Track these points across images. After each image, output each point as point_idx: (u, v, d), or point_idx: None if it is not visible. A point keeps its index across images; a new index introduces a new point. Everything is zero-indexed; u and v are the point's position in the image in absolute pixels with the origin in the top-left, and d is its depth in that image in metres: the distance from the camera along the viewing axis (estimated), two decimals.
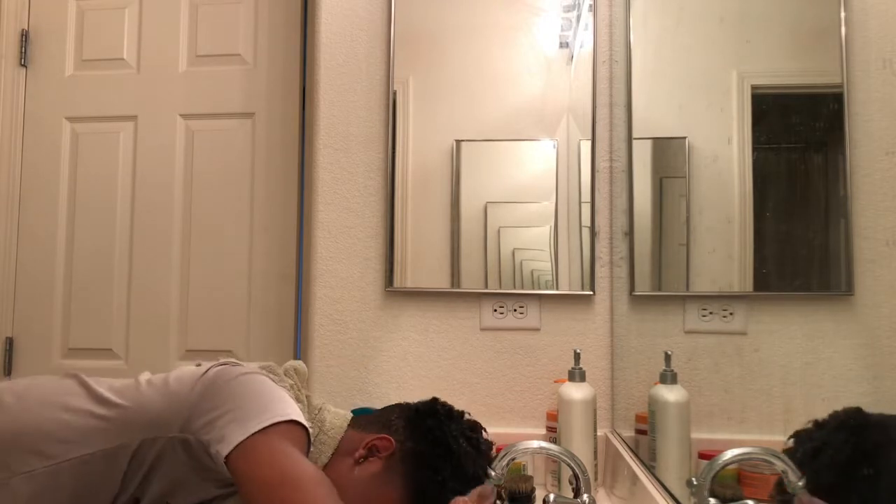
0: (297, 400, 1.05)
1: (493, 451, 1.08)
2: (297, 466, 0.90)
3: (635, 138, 1.49)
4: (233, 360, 1.07)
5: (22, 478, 0.95)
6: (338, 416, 1.10)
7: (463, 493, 0.98)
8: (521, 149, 1.62)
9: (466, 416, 1.10)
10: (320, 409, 1.10)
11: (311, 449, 1.04)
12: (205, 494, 0.99)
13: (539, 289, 1.57)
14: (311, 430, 1.01)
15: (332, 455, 1.04)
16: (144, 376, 1.06)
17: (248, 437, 0.90)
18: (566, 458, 1.10)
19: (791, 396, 0.79)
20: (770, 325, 0.86)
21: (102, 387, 1.03)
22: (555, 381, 1.51)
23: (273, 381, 1.03)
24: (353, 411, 1.18)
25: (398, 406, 1.12)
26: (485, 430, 1.10)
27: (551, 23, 1.62)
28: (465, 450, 1.03)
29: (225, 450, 0.90)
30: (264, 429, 0.92)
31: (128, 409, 0.99)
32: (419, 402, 1.11)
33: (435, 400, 1.12)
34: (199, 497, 1.00)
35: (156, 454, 0.97)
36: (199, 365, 1.06)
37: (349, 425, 1.08)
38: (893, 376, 0.61)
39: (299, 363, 1.14)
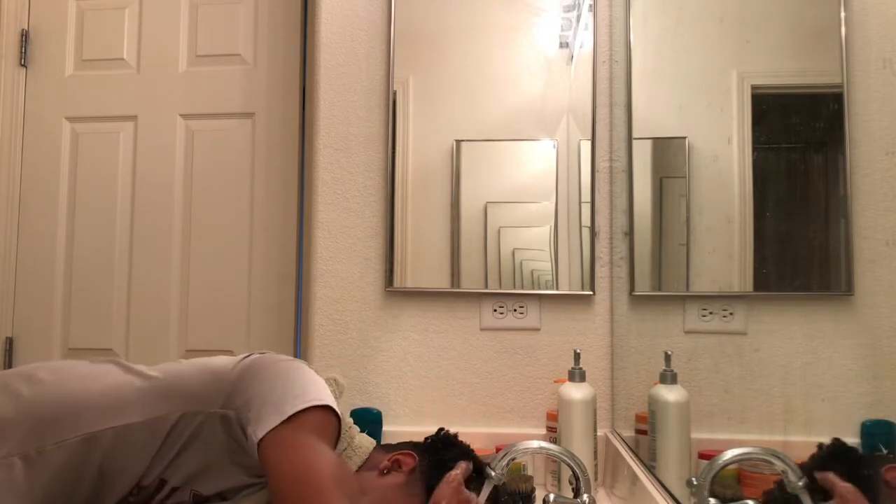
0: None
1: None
2: (322, 464, 0.92)
3: (635, 138, 1.49)
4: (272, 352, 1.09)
5: (55, 447, 0.96)
6: (365, 438, 1.13)
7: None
8: (521, 149, 1.62)
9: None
10: (350, 426, 1.11)
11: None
12: (232, 482, 1.01)
13: (539, 289, 1.57)
14: (343, 421, 1.03)
15: (357, 470, 1.07)
16: (184, 360, 1.09)
17: (281, 423, 0.92)
18: (566, 458, 1.10)
19: (791, 396, 0.79)
20: (770, 325, 0.86)
21: (139, 366, 1.06)
22: (555, 381, 1.51)
23: (310, 368, 1.06)
24: (353, 411, 1.18)
25: (413, 442, 1.15)
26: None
27: (551, 23, 1.62)
28: (479, 464, 1.07)
29: (260, 432, 0.92)
30: (297, 413, 0.93)
31: (168, 381, 1.01)
32: (433, 434, 1.15)
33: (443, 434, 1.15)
34: (226, 484, 1.01)
35: (194, 429, 0.99)
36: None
37: (374, 448, 1.11)
38: (893, 376, 0.61)
39: (339, 376, 1.16)
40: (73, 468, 0.97)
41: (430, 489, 1.03)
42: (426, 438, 1.13)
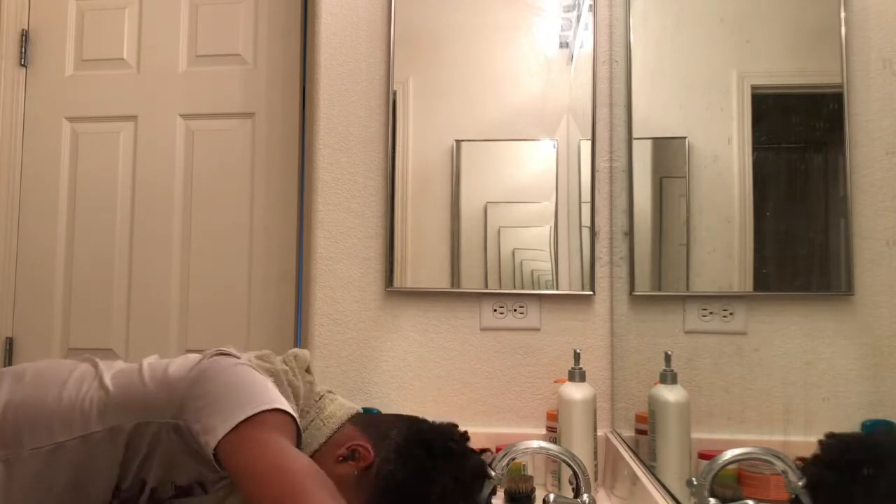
0: (292, 386, 1.05)
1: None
2: (286, 457, 0.91)
3: (635, 138, 1.49)
4: (229, 349, 1.07)
5: (30, 453, 0.98)
6: (341, 407, 1.09)
7: None
8: (521, 149, 1.62)
9: (475, 457, 1.02)
10: (322, 396, 1.10)
11: (305, 433, 1.04)
12: (206, 474, 1.00)
13: (539, 289, 1.57)
14: (298, 418, 1.01)
15: (323, 442, 1.04)
16: (149, 359, 1.08)
17: (233, 429, 0.91)
18: (566, 458, 1.10)
19: (791, 396, 0.79)
20: (770, 325, 0.86)
21: (110, 371, 1.06)
22: (555, 381, 1.51)
23: (261, 371, 1.04)
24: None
25: (407, 420, 1.08)
26: (491, 475, 1.02)
27: (551, 23, 1.62)
28: (444, 495, 0.96)
29: (212, 441, 0.91)
30: (249, 418, 0.92)
31: (124, 392, 1.01)
32: (429, 426, 1.04)
33: (443, 430, 1.03)
34: (201, 476, 1.01)
35: (150, 437, 0.99)
36: (201, 352, 1.07)
37: (350, 419, 1.08)
38: (893, 376, 0.61)
39: (302, 350, 1.14)
40: (47, 475, 0.98)
41: (377, 495, 0.97)
42: (414, 426, 1.04)
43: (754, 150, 0.94)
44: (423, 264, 1.60)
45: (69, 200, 2.03)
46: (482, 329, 1.58)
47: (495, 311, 1.58)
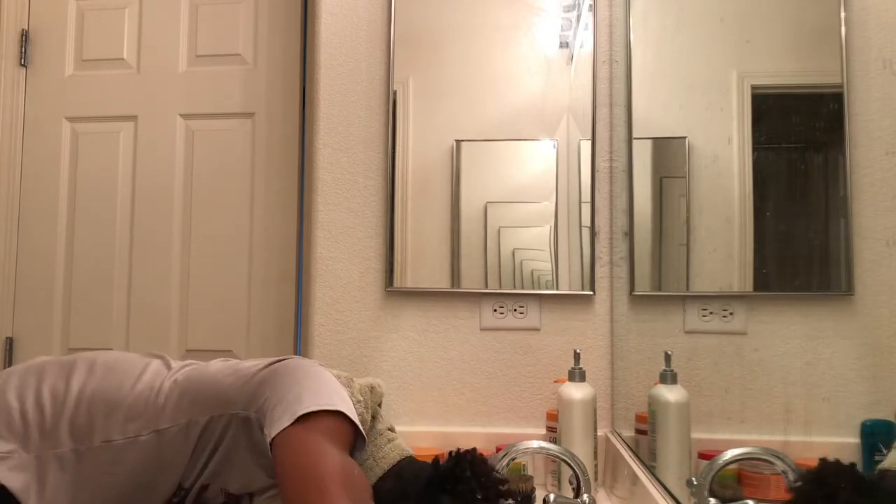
0: (361, 421, 1.03)
1: None
2: (326, 463, 0.91)
3: (635, 138, 1.49)
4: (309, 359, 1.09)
5: (102, 446, 0.99)
6: (395, 448, 1.10)
7: None
8: (521, 149, 1.62)
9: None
10: (382, 434, 1.10)
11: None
12: (258, 482, 1.01)
13: (539, 289, 1.57)
14: (363, 430, 1.01)
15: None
16: (220, 360, 1.11)
17: (291, 424, 0.92)
18: (566, 458, 1.10)
19: (791, 396, 0.79)
20: (770, 325, 0.86)
21: (182, 367, 1.07)
22: (555, 381, 1.51)
23: (333, 377, 1.05)
24: None
25: (434, 476, 1.01)
26: None
27: (551, 23, 1.62)
28: None
29: (273, 432, 0.92)
30: (309, 415, 0.93)
31: (198, 388, 1.03)
32: (451, 491, 0.98)
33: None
34: (253, 484, 1.02)
35: (221, 431, 1.00)
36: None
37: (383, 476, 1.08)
38: (893, 376, 0.61)
39: (379, 384, 1.14)
40: (116, 469, 0.99)
41: None
42: (444, 466, 0.99)
43: (754, 150, 0.94)
44: (423, 264, 1.60)
45: (69, 200, 2.03)
46: (482, 329, 1.58)
47: (495, 311, 1.58)
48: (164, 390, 1.03)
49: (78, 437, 1.00)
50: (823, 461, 0.64)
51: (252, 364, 1.07)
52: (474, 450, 1.02)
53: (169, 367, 1.08)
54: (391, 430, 1.14)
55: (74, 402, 1.01)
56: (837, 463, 0.62)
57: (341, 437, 0.96)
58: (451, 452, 1.01)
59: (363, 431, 1.01)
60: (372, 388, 1.11)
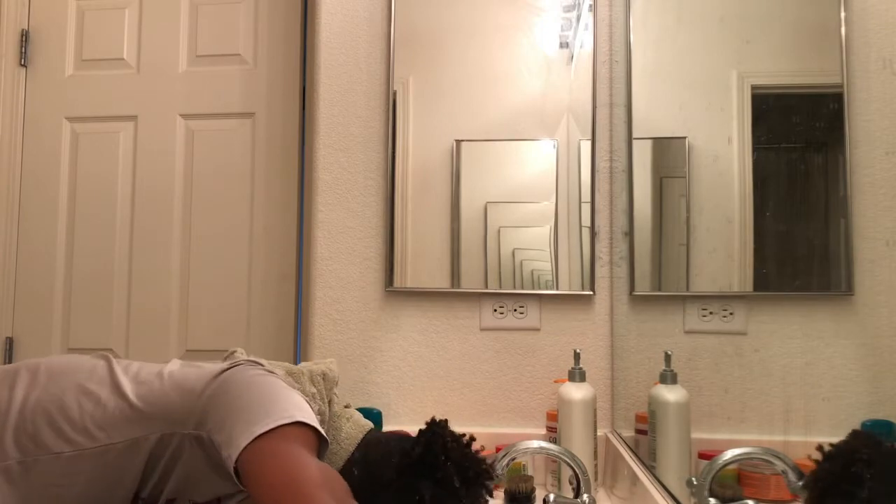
0: (318, 412, 1.03)
1: None
2: (302, 470, 0.89)
3: (635, 138, 1.49)
4: (254, 359, 1.06)
5: (50, 458, 0.96)
6: (355, 426, 1.09)
7: None
8: (521, 149, 1.62)
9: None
10: (339, 415, 1.09)
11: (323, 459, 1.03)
12: (225, 489, 0.99)
13: (539, 289, 1.57)
14: (323, 431, 1.00)
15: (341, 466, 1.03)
16: (170, 367, 1.07)
17: (253, 440, 0.90)
18: (566, 458, 1.10)
19: (791, 396, 0.79)
20: (770, 325, 0.86)
21: (128, 375, 1.04)
22: (555, 381, 1.51)
23: (285, 383, 1.02)
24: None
25: (390, 463, 0.99)
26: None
27: (551, 23, 1.62)
28: None
29: (234, 453, 0.90)
30: (269, 431, 0.91)
31: (147, 404, 1.00)
32: (427, 491, 0.93)
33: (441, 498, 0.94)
34: (219, 491, 1.00)
35: (174, 450, 0.98)
36: (225, 359, 1.06)
37: (352, 454, 1.06)
38: (893, 376, 0.61)
39: (330, 367, 1.12)
40: (64, 483, 0.96)
41: None
42: (422, 441, 0.96)
43: (754, 149, 0.94)
44: (423, 264, 1.60)
45: (69, 200, 2.03)
46: (482, 329, 1.58)
47: (495, 311, 1.58)
48: (112, 404, 0.99)
49: (24, 449, 0.96)
50: (855, 432, 0.63)
51: (201, 374, 1.02)
52: (445, 426, 0.96)
53: (113, 373, 1.03)
54: (347, 406, 1.13)
55: (18, 412, 0.98)
56: (869, 434, 0.61)
57: (306, 443, 0.94)
58: (421, 431, 0.97)
59: (324, 433, 0.98)
60: (324, 376, 1.10)
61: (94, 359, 1.08)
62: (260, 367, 1.04)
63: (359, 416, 1.12)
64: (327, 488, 0.88)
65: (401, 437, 1.08)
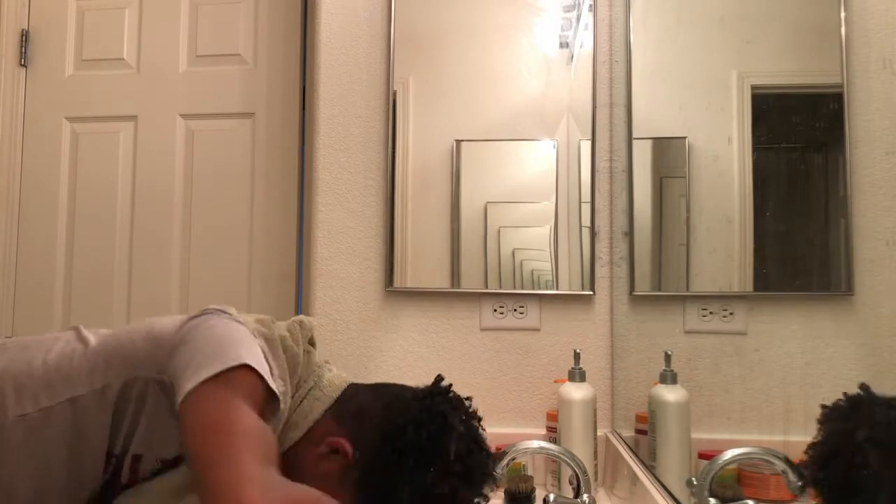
0: (289, 354, 1.00)
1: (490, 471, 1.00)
2: (231, 419, 0.84)
3: (635, 138, 1.49)
4: (225, 307, 1.01)
5: (16, 420, 0.94)
6: (338, 376, 1.06)
7: None
8: (521, 149, 1.62)
9: (470, 429, 0.99)
10: (321, 366, 1.06)
11: (303, 403, 1.00)
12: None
13: (539, 289, 1.57)
14: (273, 378, 0.95)
15: (308, 429, 0.99)
16: (133, 325, 1.04)
17: (196, 387, 0.85)
18: (566, 458, 1.10)
19: (791, 396, 0.79)
20: (770, 325, 0.86)
21: (95, 335, 1.02)
22: (555, 381, 1.51)
23: (255, 334, 0.98)
24: None
25: (383, 404, 1.01)
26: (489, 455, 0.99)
27: (551, 23, 1.62)
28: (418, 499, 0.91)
29: (179, 398, 0.86)
30: (214, 376, 0.85)
31: (109, 350, 0.98)
32: (410, 416, 0.95)
33: (423, 420, 0.94)
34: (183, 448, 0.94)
35: (137, 395, 0.95)
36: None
37: (335, 403, 1.02)
38: (893, 376, 0.61)
39: (308, 318, 1.09)
40: (37, 444, 0.94)
41: (360, 496, 0.92)
42: (392, 418, 0.95)
43: (754, 150, 0.94)
44: (423, 264, 1.60)
45: (69, 200, 2.03)
46: (482, 329, 1.58)
47: (495, 311, 1.58)
48: (77, 356, 0.98)
49: None
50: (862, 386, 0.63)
51: (168, 323, 1.00)
52: (447, 395, 0.98)
53: (81, 336, 1.02)
54: (328, 362, 1.10)
55: None
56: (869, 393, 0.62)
57: (251, 394, 0.88)
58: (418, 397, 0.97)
59: (275, 388, 0.91)
60: (301, 323, 1.07)
61: (62, 331, 1.07)
62: (226, 315, 1.00)
63: (339, 370, 1.09)
64: (255, 444, 0.82)
65: (394, 393, 1.04)
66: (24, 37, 2.07)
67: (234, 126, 1.98)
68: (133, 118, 2.02)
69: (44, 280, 2.01)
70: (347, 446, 0.95)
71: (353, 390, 1.05)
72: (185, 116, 2.00)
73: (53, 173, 2.03)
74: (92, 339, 1.02)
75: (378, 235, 1.61)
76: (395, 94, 1.62)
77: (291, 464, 0.94)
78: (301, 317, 1.09)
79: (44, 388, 0.96)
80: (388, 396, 1.02)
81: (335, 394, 1.02)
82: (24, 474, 0.95)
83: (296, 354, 1.02)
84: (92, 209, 2.01)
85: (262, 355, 0.94)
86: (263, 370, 0.90)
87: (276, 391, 0.91)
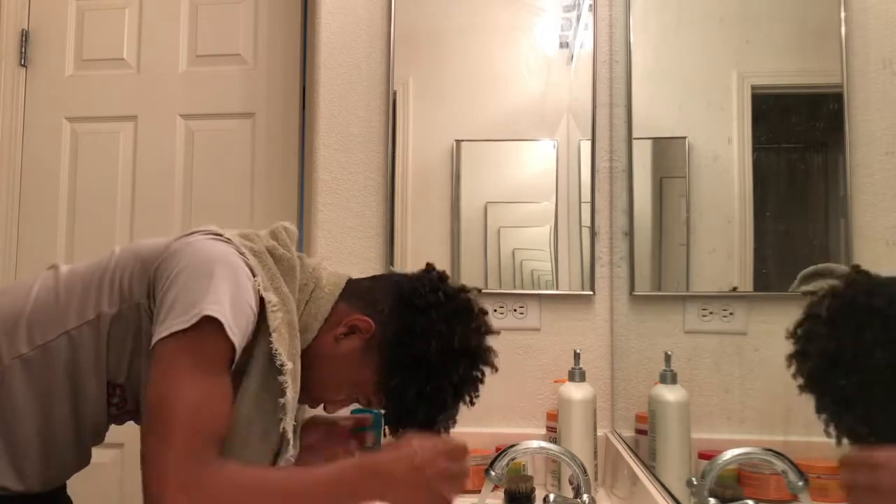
0: (284, 260, 0.99)
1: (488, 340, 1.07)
2: (179, 392, 0.85)
3: (635, 138, 1.50)
4: (211, 227, 1.00)
5: (13, 362, 0.94)
6: (334, 274, 1.07)
7: (439, 397, 1.00)
8: (521, 149, 1.62)
9: (460, 296, 1.07)
10: (315, 268, 1.06)
11: (309, 305, 1.01)
12: None
13: (539, 289, 1.57)
14: (303, 264, 1.01)
15: (329, 312, 1.01)
16: (129, 248, 1.02)
17: (161, 339, 0.86)
18: (566, 458, 1.10)
19: (791, 396, 0.79)
20: (770, 325, 0.86)
21: (76, 267, 1.01)
22: (555, 381, 1.51)
23: (248, 253, 0.97)
24: (352, 411, 1.16)
25: (385, 283, 1.09)
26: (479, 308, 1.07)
27: (551, 23, 1.62)
28: (444, 342, 0.99)
29: (152, 342, 0.87)
30: (181, 332, 0.85)
31: (98, 280, 0.96)
32: (408, 284, 1.05)
33: (421, 283, 1.05)
34: None
35: (135, 320, 0.94)
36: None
37: (340, 295, 1.04)
38: None
39: (290, 224, 1.08)
40: (39, 382, 0.94)
41: (387, 358, 0.98)
42: (395, 289, 1.03)
43: (754, 149, 0.94)
44: (423, 264, 1.60)
45: (69, 200, 2.03)
46: None
47: (495, 311, 1.58)
48: (63, 289, 0.97)
49: None
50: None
51: (153, 245, 0.98)
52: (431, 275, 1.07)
53: (62, 271, 1.00)
54: (321, 263, 1.10)
55: None
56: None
57: (215, 347, 0.88)
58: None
59: (235, 342, 0.89)
60: (286, 228, 1.06)
61: (43, 271, 1.04)
62: (212, 235, 0.98)
63: (332, 270, 1.10)
64: (199, 419, 0.84)
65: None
66: (24, 37, 2.07)
67: (234, 126, 1.98)
68: (133, 118, 2.02)
69: None
70: (367, 319, 1.00)
71: (354, 281, 1.09)
72: (185, 116, 2.00)
73: (53, 173, 2.03)
74: (76, 271, 1.00)
75: (378, 235, 1.61)
76: (394, 93, 1.62)
77: (314, 357, 0.98)
78: (284, 222, 1.07)
79: (36, 325, 0.95)
80: (391, 278, 1.11)
81: (338, 290, 1.05)
82: (26, 416, 0.94)
83: (290, 258, 1.02)
84: (92, 209, 2.01)
85: (236, 290, 0.91)
86: (225, 318, 0.87)
87: (235, 343, 0.89)
